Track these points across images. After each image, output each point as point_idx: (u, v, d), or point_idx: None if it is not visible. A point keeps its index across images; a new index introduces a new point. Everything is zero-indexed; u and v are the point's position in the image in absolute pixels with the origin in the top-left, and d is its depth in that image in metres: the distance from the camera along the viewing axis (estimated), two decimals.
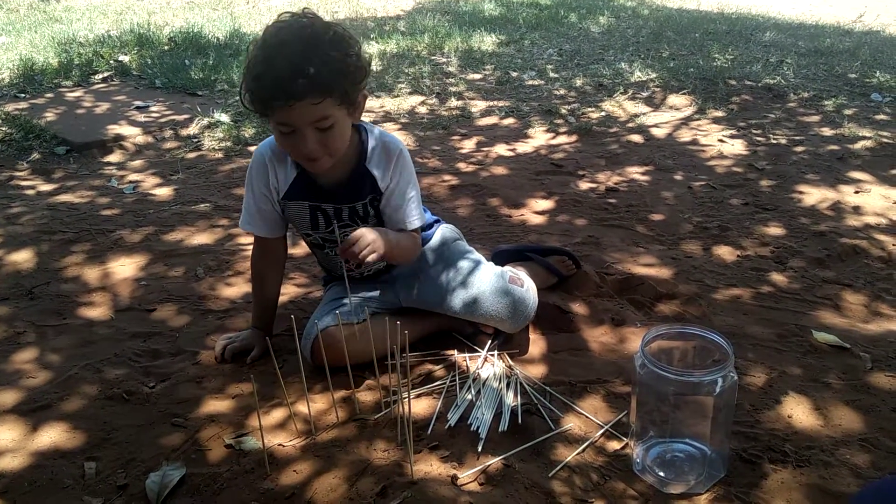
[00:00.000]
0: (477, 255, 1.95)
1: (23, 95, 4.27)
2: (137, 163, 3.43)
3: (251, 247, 2.44)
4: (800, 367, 1.78)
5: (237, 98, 4.18)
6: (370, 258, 1.61)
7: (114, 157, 3.51)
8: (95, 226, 2.68)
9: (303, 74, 1.48)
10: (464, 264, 1.89)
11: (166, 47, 5.37)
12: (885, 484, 0.84)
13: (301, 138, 1.55)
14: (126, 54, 5.10)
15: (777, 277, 2.25)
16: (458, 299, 1.83)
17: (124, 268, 2.36)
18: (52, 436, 1.58)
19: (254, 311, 1.93)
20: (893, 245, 2.45)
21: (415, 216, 1.79)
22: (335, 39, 1.55)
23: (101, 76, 4.74)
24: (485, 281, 1.84)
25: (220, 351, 1.84)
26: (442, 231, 2.00)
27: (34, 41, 5.41)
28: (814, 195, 2.91)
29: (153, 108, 4.09)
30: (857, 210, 2.76)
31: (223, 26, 5.99)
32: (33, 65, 4.74)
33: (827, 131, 3.73)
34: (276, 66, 1.50)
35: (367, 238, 1.61)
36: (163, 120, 3.90)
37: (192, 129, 3.78)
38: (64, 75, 4.63)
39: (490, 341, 1.87)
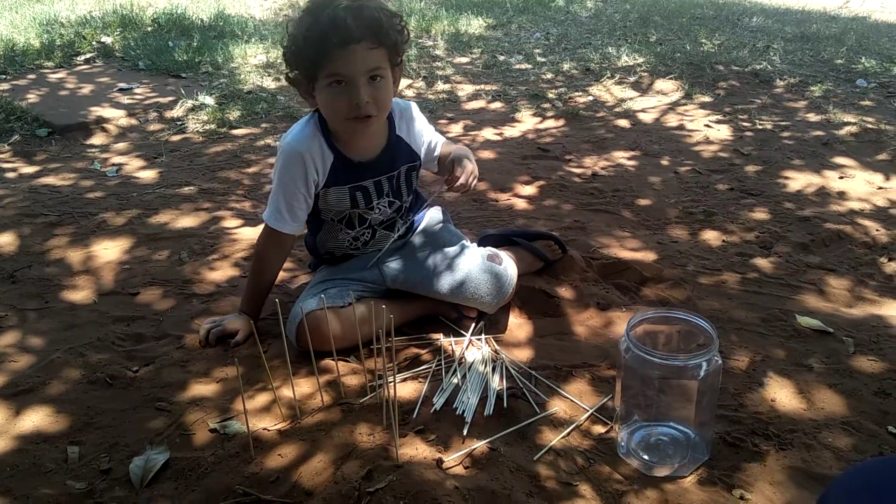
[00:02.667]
0: (463, 239, 1.96)
1: (4, 77, 4.22)
2: (121, 145, 3.40)
3: (237, 231, 2.46)
4: (784, 351, 1.79)
5: (222, 80, 4.15)
6: (474, 184, 1.81)
7: (97, 140, 3.47)
8: (78, 209, 2.66)
9: (361, 17, 1.56)
10: (451, 248, 1.89)
11: (150, 28, 5.30)
12: (866, 468, 0.84)
13: (354, 89, 1.60)
14: (109, 35, 5.04)
15: (762, 262, 2.26)
16: (445, 282, 1.83)
17: (108, 251, 2.34)
18: (35, 420, 1.57)
19: (247, 297, 1.90)
20: (877, 230, 2.47)
21: (443, 139, 1.97)
22: (380, 2, 1.66)
23: (83, 57, 4.68)
24: (471, 264, 1.84)
25: (204, 335, 1.83)
26: (430, 214, 2.01)
27: (15, 21, 5.33)
28: (799, 180, 2.92)
29: (137, 91, 4.04)
30: (841, 195, 2.78)
31: (207, 8, 5.92)
32: (14, 46, 4.67)
33: (812, 117, 3.74)
34: (333, 12, 1.55)
35: (469, 166, 1.80)
36: (146, 102, 3.86)
37: (177, 112, 3.74)
38: (46, 56, 4.57)
39: (473, 325, 1.87)
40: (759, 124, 3.62)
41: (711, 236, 2.44)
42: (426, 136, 1.90)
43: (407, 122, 1.84)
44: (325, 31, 1.55)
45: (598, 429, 1.53)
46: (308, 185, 1.74)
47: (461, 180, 1.76)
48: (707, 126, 3.61)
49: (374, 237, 1.91)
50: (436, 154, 1.92)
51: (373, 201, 1.82)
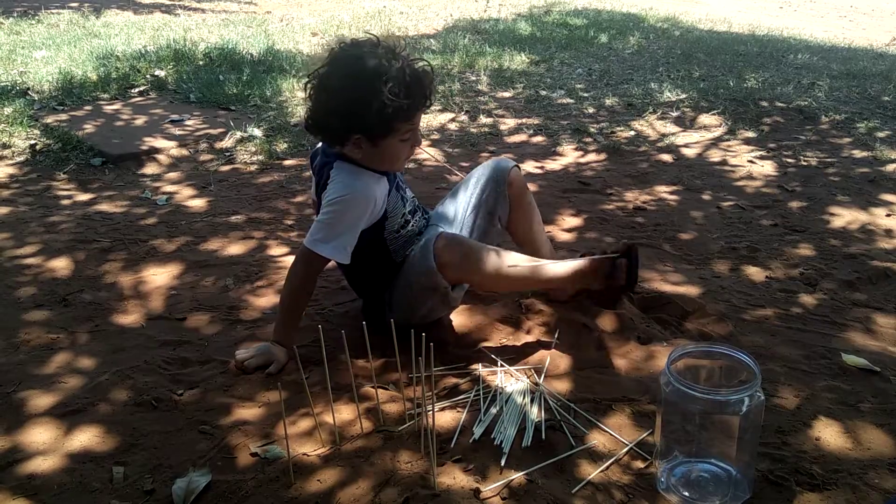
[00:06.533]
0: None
1: (62, 108, 4.37)
2: (172, 175, 3.49)
3: (282, 259, 2.50)
4: (828, 390, 1.76)
5: (271, 113, 4.25)
6: None
7: (149, 169, 3.57)
8: (130, 235, 2.73)
9: (432, 78, 1.83)
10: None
11: (201, 63, 5.46)
12: None
13: (417, 134, 1.87)
14: (162, 69, 5.20)
15: (806, 299, 2.23)
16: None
17: (157, 277, 2.40)
18: (83, 440, 1.61)
19: (283, 328, 1.92)
20: None
21: None
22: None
23: (137, 90, 4.84)
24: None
25: (238, 366, 1.86)
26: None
27: (73, 55, 5.53)
28: (844, 217, 2.88)
29: (188, 122, 4.16)
30: (888, 233, 2.73)
31: (257, 43, 6.07)
32: (72, 78, 4.84)
33: (858, 154, 3.70)
34: (424, 77, 1.79)
35: None
36: (197, 133, 3.96)
37: (226, 143, 3.84)
38: (102, 88, 4.73)
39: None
40: (804, 160, 3.58)
41: (754, 272, 2.41)
42: None
43: None
44: (424, 93, 1.78)
45: (638, 464, 1.52)
46: (370, 216, 1.89)
47: None
48: (750, 162, 3.58)
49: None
50: None
51: (405, 194, 2.03)
